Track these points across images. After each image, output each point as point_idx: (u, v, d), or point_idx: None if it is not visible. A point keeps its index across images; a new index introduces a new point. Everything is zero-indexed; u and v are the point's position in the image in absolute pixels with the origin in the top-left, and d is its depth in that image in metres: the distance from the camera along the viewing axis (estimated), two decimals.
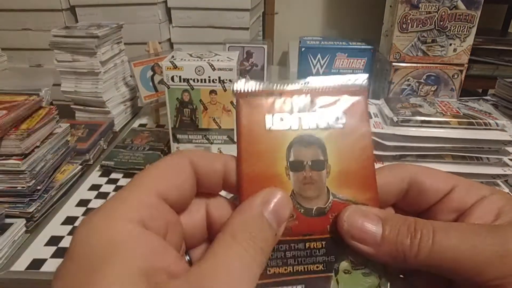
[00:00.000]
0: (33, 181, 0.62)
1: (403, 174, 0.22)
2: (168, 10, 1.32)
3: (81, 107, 0.95)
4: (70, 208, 0.66)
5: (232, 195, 0.22)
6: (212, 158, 0.21)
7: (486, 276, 0.17)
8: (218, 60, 0.72)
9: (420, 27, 0.84)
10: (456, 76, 0.86)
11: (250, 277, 0.16)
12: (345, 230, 0.19)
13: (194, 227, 0.21)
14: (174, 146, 0.79)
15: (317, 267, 0.20)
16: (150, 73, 0.96)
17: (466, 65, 0.86)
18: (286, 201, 0.19)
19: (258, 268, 0.17)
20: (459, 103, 0.71)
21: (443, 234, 0.18)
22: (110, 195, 0.69)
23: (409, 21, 0.84)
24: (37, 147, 0.64)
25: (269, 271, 0.19)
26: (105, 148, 0.86)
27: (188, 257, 0.22)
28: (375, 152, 0.65)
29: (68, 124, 0.74)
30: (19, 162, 0.60)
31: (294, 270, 0.20)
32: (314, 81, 0.21)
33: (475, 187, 0.21)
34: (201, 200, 0.21)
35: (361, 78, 0.22)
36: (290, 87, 0.21)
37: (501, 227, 0.18)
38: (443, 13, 0.83)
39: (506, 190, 0.68)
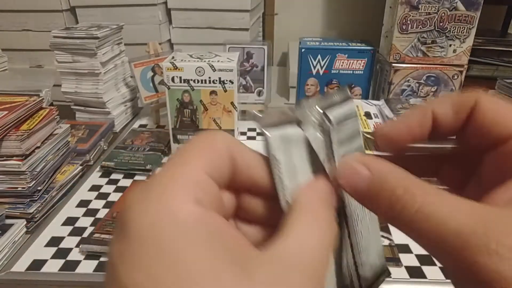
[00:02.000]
0: (34, 181, 0.62)
1: (467, 101, 0.19)
2: (168, 11, 1.32)
3: (82, 108, 0.95)
4: (70, 208, 0.66)
5: None
6: (250, 154, 0.19)
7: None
8: (218, 61, 0.72)
9: (420, 28, 0.84)
10: (456, 77, 0.87)
11: (328, 255, 0.17)
12: (337, 176, 0.19)
13: (226, 205, 0.19)
14: (174, 146, 0.79)
15: None
16: (150, 73, 0.96)
17: (466, 66, 0.87)
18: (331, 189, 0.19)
19: (331, 246, 0.17)
20: None
21: (431, 206, 0.15)
22: (111, 196, 0.69)
23: (409, 22, 0.84)
24: (38, 147, 0.64)
25: None
26: (105, 148, 0.86)
27: None
28: (376, 153, 0.65)
29: (69, 125, 0.74)
30: (20, 162, 0.60)
31: None
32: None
33: (461, 102, 0.18)
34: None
35: None
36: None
37: None
38: (443, 14, 0.83)
39: None
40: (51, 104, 0.81)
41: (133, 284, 0.13)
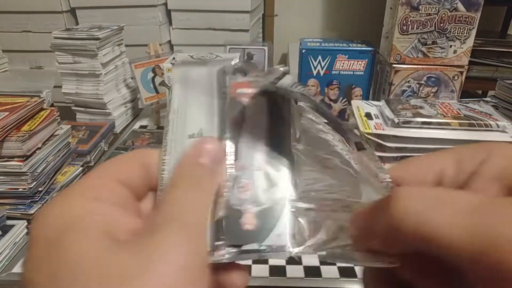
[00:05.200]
0: (35, 182, 0.62)
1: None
2: (168, 12, 1.33)
3: (82, 109, 0.95)
4: None
5: None
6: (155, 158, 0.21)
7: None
8: None
9: (420, 29, 0.84)
10: (456, 78, 0.87)
11: (197, 210, 0.18)
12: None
13: (147, 213, 0.21)
14: None
15: None
16: (151, 74, 0.96)
17: (466, 67, 0.87)
18: (216, 144, 0.20)
19: (206, 201, 0.19)
20: (460, 105, 0.71)
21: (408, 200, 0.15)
22: None
23: (409, 23, 0.84)
24: (39, 148, 0.64)
25: None
26: (106, 149, 0.86)
27: None
28: (376, 154, 0.65)
29: (69, 126, 0.74)
30: (21, 163, 0.60)
31: None
32: None
33: (468, 156, 0.18)
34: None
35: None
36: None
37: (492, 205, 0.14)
38: (443, 15, 0.83)
39: None
40: (52, 105, 0.81)
41: (34, 284, 0.15)
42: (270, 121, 0.23)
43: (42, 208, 0.18)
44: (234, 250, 0.19)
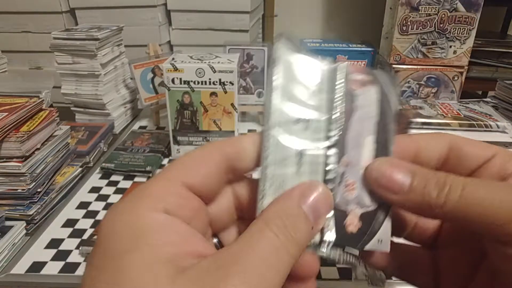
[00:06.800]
0: (34, 183, 0.62)
1: (443, 140, 0.22)
2: (168, 13, 1.33)
3: (81, 109, 0.95)
4: (70, 210, 0.66)
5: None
6: (244, 142, 0.20)
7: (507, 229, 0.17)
8: (218, 62, 0.72)
9: (420, 29, 0.84)
10: (456, 78, 0.87)
11: (279, 263, 0.16)
12: (373, 179, 0.20)
13: (222, 211, 0.20)
14: (174, 148, 0.79)
15: None
16: (150, 75, 0.96)
17: (466, 67, 0.87)
18: (326, 196, 0.19)
19: (289, 257, 0.16)
20: (460, 105, 0.71)
21: (472, 188, 0.18)
22: (111, 197, 0.69)
23: (409, 23, 0.84)
24: (38, 149, 0.64)
25: None
26: (105, 150, 0.86)
27: (216, 240, 0.22)
28: None
29: (69, 126, 0.74)
30: (20, 164, 0.60)
31: None
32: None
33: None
34: (228, 185, 0.21)
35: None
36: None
37: None
38: (443, 16, 0.83)
39: None
40: (51, 106, 0.80)
41: (89, 284, 0.15)
42: (382, 114, 0.21)
43: (114, 206, 0.17)
44: (337, 250, 0.19)
